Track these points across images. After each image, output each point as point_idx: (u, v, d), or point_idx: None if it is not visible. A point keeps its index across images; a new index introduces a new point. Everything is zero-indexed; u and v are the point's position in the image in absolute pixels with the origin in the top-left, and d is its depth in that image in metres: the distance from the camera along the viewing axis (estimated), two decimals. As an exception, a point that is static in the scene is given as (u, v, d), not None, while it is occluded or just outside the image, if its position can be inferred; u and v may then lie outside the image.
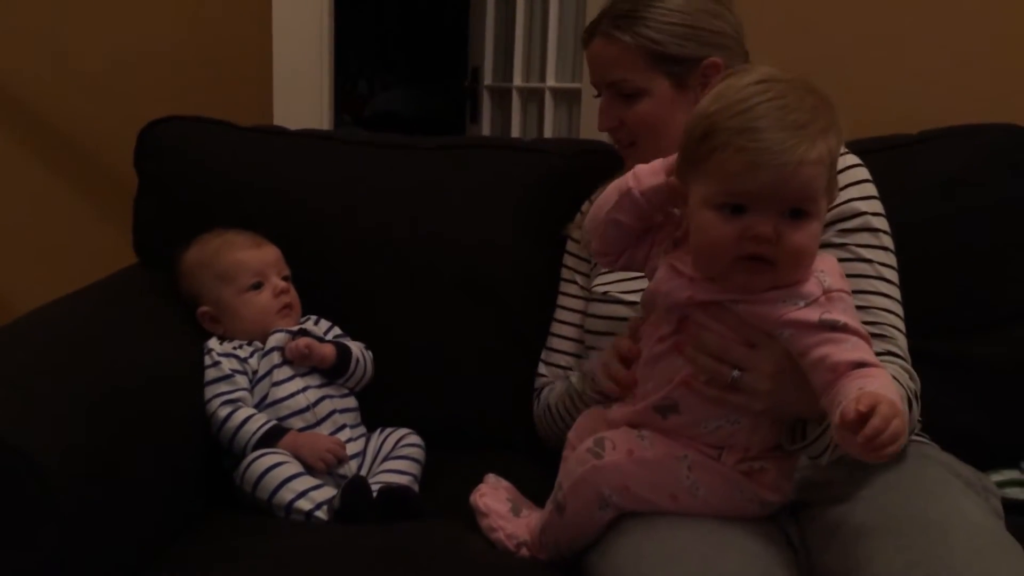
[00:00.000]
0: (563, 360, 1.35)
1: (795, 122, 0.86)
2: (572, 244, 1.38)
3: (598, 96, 1.26)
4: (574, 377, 1.26)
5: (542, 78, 2.65)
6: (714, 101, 0.90)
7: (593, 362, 1.20)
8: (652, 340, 1.00)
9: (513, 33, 2.73)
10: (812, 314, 0.89)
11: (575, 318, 1.35)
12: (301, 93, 1.97)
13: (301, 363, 1.27)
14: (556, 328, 1.37)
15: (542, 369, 1.38)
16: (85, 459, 0.92)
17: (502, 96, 2.87)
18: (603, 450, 0.98)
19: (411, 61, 4.17)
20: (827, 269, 0.92)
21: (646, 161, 1.00)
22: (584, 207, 1.36)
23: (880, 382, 0.84)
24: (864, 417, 0.78)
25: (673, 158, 0.97)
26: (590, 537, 1.02)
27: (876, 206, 1.17)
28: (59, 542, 0.86)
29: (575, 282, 1.36)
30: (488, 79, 2.91)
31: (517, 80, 2.74)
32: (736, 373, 0.93)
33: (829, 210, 1.13)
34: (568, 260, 1.39)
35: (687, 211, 0.94)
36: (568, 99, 2.59)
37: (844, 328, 0.88)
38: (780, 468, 0.98)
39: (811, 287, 0.90)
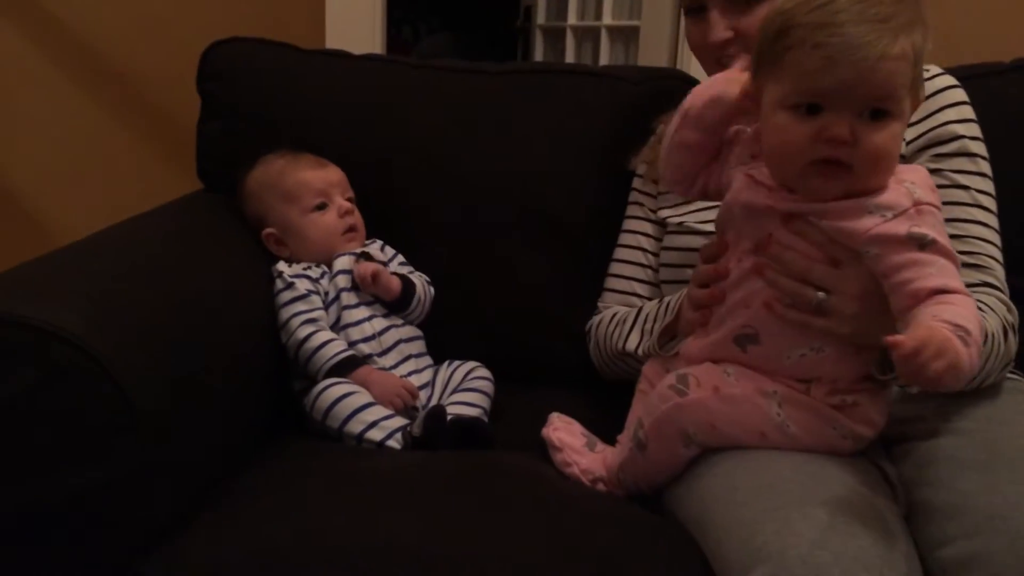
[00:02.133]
0: (619, 299, 1.31)
1: (876, 15, 0.80)
2: (642, 166, 1.32)
3: (698, 10, 1.14)
4: (649, 307, 1.20)
5: (598, 16, 2.59)
6: None
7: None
8: (731, 260, 0.95)
9: (568, -30, 2.66)
10: (900, 227, 0.84)
11: (634, 255, 1.30)
12: (353, 34, 1.92)
13: (365, 288, 1.24)
14: (614, 267, 1.32)
15: (599, 307, 1.33)
16: (160, 373, 0.89)
17: (555, 36, 2.81)
18: (687, 387, 0.94)
19: (458, 4, 4.08)
20: (917, 181, 0.87)
21: None
22: (652, 140, 1.31)
23: (956, 309, 0.78)
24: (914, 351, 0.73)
25: (732, 70, 0.94)
26: (672, 474, 0.99)
27: (974, 129, 1.11)
28: (137, 455, 0.84)
29: (637, 216, 1.31)
30: (541, 18, 2.85)
31: (572, 19, 2.68)
32: (820, 295, 0.88)
33: (923, 134, 1.08)
34: (635, 192, 1.33)
35: (761, 116, 0.90)
36: (625, 37, 2.52)
37: (932, 244, 0.83)
38: (873, 401, 0.93)
39: (900, 198, 0.85)
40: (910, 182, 0.86)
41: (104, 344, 0.83)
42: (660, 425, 0.96)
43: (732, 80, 0.93)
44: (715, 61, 1.12)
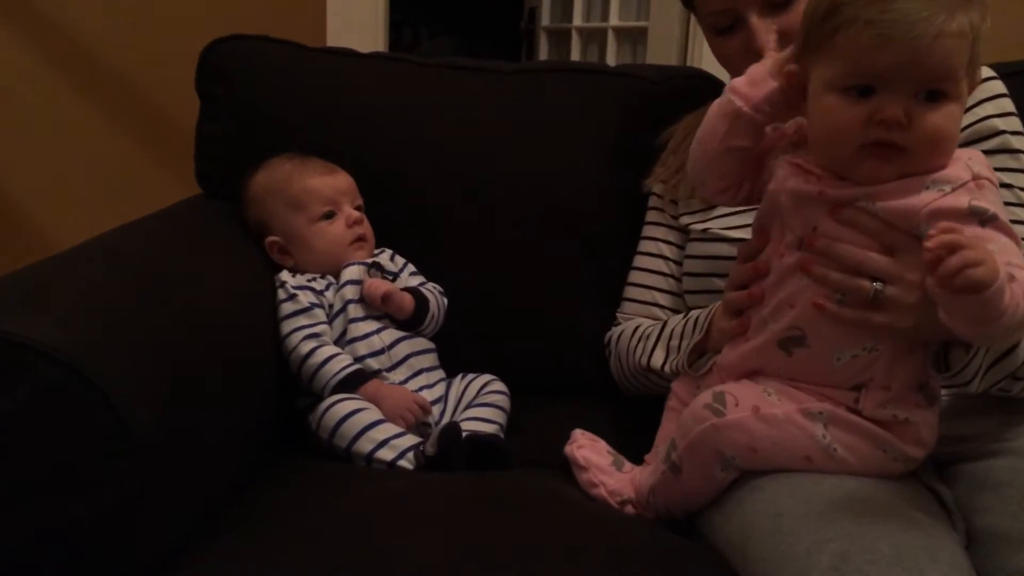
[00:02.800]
0: (639, 309, 1.24)
1: None
2: (658, 185, 1.26)
3: (726, 29, 1.09)
4: (674, 322, 1.14)
5: (604, 17, 2.54)
6: None
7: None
8: (773, 257, 0.89)
9: (574, -30, 2.61)
10: (960, 200, 0.78)
11: (654, 263, 1.24)
12: (355, 33, 1.87)
13: (375, 307, 1.18)
14: (633, 276, 1.26)
15: (618, 318, 1.27)
16: (158, 392, 0.83)
17: (561, 38, 2.75)
18: (724, 406, 0.87)
19: (459, 7, 4.02)
20: (975, 157, 0.82)
21: None
22: (662, 156, 1.24)
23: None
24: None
25: (770, 60, 0.88)
26: (708, 499, 0.92)
27: (1015, 124, 1.05)
28: (135, 476, 0.78)
29: (658, 223, 1.25)
30: (546, 20, 2.80)
31: (577, 20, 2.64)
32: (877, 285, 0.82)
33: (962, 130, 1.02)
34: (655, 197, 1.27)
35: (807, 102, 0.85)
36: (633, 39, 2.47)
37: (994, 220, 0.78)
38: (925, 420, 0.87)
39: (959, 171, 0.80)
40: (967, 158, 0.81)
41: (97, 362, 0.76)
42: (695, 447, 0.89)
43: (774, 69, 0.87)
44: None
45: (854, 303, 0.83)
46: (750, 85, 0.88)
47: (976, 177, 0.80)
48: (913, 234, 0.81)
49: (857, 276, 0.82)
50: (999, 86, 1.07)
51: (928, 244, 0.70)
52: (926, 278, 0.72)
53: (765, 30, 1.05)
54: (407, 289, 1.22)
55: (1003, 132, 1.03)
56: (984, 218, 0.78)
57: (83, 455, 0.76)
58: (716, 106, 0.91)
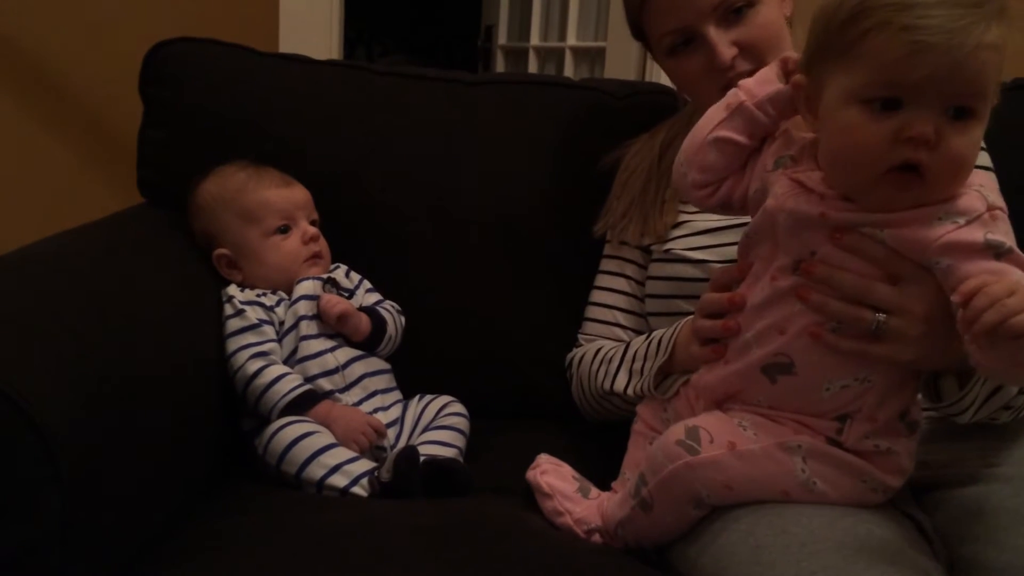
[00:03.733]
0: (601, 330, 1.21)
1: None
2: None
3: (681, 48, 1.05)
4: (637, 343, 1.10)
5: (562, 37, 2.52)
6: None
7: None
8: (763, 278, 0.85)
9: (531, -12, 2.59)
10: (976, 233, 0.75)
11: (616, 282, 1.20)
12: (309, 43, 1.82)
13: (329, 326, 1.12)
14: (595, 296, 1.22)
15: (579, 339, 1.23)
16: (90, 415, 0.76)
17: (517, 57, 2.74)
18: (698, 443, 0.83)
19: (414, 25, 3.99)
20: (987, 183, 0.79)
21: None
22: (610, 196, 1.21)
23: None
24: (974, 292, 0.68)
25: (780, 62, 0.85)
26: (679, 532, 0.88)
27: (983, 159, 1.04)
28: (63, 512, 0.71)
29: (620, 241, 1.21)
30: (503, 39, 2.78)
31: (534, 39, 2.62)
32: (881, 317, 0.78)
33: None
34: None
35: (820, 114, 0.80)
36: (591, 59, 2.45)
37: (1009, 254, 0.74)
38: (906, 448, 0.84)
39: (973, 202, 0.76)
40: (979, 185, 0.77)
41: (24, 383, 0.70)
42: (667, 485, 0.85)
43: (780, 72, 0.85)
44: (723, 88, 0.96)
45: (852, 333, 0.79)
46: (757, 83, 0.86)
47: (991, 208, 0.76)
48: (921, 264, 0.77)
49: (858, 305, 0.79)
50: None
51: (958, 299, 0.68)
52: (964, 332, 0.69)
53: (726, 43, 1.02)
54: (364, 308, 1.16)
55: None
56: (999, 252, 0.74)
57: (7, 481, 0.70)
58: (720, 102, 0.89)
